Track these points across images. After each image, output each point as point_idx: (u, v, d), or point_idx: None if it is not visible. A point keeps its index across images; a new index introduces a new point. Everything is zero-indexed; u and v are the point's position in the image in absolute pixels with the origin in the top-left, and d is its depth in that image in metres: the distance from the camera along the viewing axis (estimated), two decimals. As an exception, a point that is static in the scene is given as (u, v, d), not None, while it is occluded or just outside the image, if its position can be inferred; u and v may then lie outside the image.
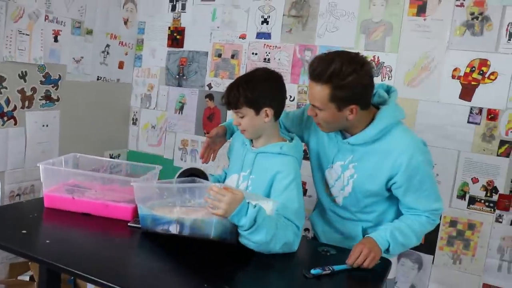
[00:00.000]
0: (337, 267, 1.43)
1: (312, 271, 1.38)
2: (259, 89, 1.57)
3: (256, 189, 1.62)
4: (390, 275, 1.83)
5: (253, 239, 1.41)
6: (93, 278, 1.22)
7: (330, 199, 1.74)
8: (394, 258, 1.86)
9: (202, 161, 1.87)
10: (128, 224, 1.65)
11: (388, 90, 1.65)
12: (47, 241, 1.43)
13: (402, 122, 1.60)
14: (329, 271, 1.41)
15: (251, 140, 1.70)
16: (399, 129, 1.56)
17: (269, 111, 1.58)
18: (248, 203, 1.39)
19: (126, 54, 3.03)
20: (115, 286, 1.19)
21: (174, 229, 1.47)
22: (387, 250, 1.57)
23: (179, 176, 1.72)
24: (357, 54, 1.49)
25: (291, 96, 2.62)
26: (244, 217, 1.37)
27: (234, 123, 1.68)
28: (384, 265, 1.53)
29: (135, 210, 1.68)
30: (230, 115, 2.76)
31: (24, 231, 1.47)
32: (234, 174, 1.72)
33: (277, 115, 1.63)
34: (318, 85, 1.45)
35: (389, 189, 1.61)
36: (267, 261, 1.44)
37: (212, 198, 1.36)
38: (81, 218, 1.68)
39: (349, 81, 1.41)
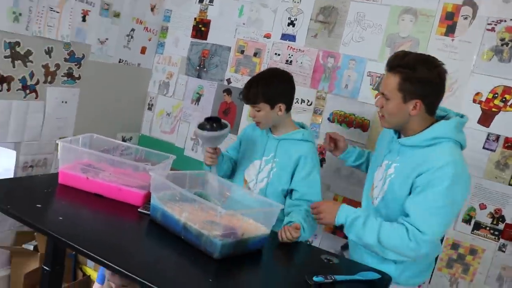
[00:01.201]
0: (339, 277, 1.45)
1: (315, 279, 1.41)
2: (275, 87, 1.89)
3: (280, 170, 1.93)
4: None
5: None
6: (98, 257, 1.26)
7: (370, 201, 1.76)
8: None
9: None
10: (138, 209, 1.68)
11: (461, 116, 1.66)
12: (60, 218, 1.46)
13: (458, 144, 1.58)
14: (331, 280, 1.43)
15: (270, 130, 2.00)
16: (451, 145, 1.54)
17: (282, 106, 1.90)
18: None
19: (150, 40, 3.05)
20: (117, 267, 1.22)
21: (179, 233, 1.50)
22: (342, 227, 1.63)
23: (200, 124, 1.87)
24: (434, 57, 1.57)
25: (308, 101, 2.63)
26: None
27: (251, 115, 1.94)
28: (385, 280, 1.55)
29: (146, 196, 1.71)
30: (247, 110, 2.77)
31: (39, 205, 1.50)
32: (256, 160, 2.00)
33: (288, 109, 1.95)
34: (390, 74, 1.55)
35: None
36: (273, 264, 1.46)
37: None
38: (93, 198, 1.71)
39: (419, 75, 1.50)
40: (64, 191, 1.72)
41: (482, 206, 2.24)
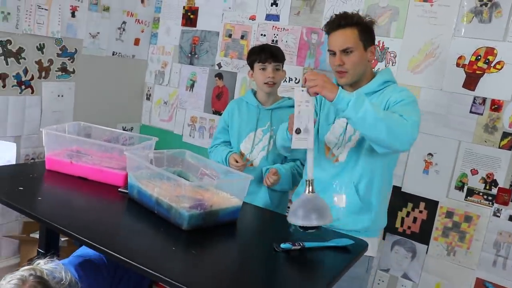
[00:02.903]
0: (308, 244, 1.47)
1: (282, 245, 1.42)
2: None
3: None
4: (372, 253, 1.86)
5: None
6: (69, 232, 1.32)
7: (329, 162, 1.80)
8: (376, 238, 1.89)
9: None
10: (118, 189, 1.75)
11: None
12: (39, 198, 1.54)
13: None
14: (299, 247, 1.45)
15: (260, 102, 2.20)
16: (397, 85, 1.82)
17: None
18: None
19: (143, 31, 3.13)
20: (89, 241, 1.28)
21: (153, 208, 1.56)
22: (347, 105, 1.50)
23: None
24: None
25: (296, 78, 2.64)
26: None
27: (271, 75, 2.11)
28: (360, 246, 1.56)
29: (127, 177, 1.77)
30: (239, 93, 2.82)
31: (21, 188, 1.59)
32: (251, 132, 2.18)
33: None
34: (346, 29, 1.73)
35: None
36: (244, 235, 1.50)
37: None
38: (78, 181, 1.79)
39: (368, 25, 1.77)
40: (50, 175, 1.80)
41: (474, 172, 2.20)
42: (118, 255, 1.24)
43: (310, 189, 1.51)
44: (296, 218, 1.47)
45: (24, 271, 1.17)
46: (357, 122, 1.52)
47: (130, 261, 1.21)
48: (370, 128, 1.53)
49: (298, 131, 1.50)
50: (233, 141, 2.27)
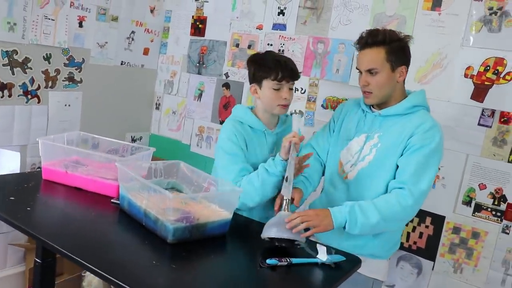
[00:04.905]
0: (295, 260, 1.42)
1: (268, 261, 1.39)
2: None
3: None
4: (379, 276, 1.80)
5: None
6: (50, 242, 1.32)
7: (341, 178, 1.78)
8: (387, 260, 1.82)
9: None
10: (111, 200, 1.74)
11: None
12: (28, 208, 1.55)
13: (428, 111, 1.75)
14: (286, 263, 1.41)
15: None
16: (426, 112, 1.71)
17: None
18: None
19: (152, 41, 3.15)
20: (69, 253, 1.27)
21: (141, 220, 1.54)
22: (344, 228, 1.58)
23: None
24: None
25: (302, 89, 2.60)
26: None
27: (287, 96, 1.77)
28: (352, 262, 1.51)
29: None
30: (246, 102, 2.79)
31: (12, 198, 1.61)
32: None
33: None
34: (373, 49, 1.65)
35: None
36: (232, 249, 1.47)
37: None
38: (72, 191, 1.79)
39: (399, 44, 1.67)
40: (46, 185, 1.82)
41: (482, 186, 2.11)
42: (96, 269, 1.22)
43: (286, 208, 1.57)
44: (269, 232, 1.50)
45: None
46: (360, 233, 1.60)
47: (108, 276, 1.20)
48: (372, 232, 1.66)
49: (286, 179, 1.60)
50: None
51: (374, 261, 1.75)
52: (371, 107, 1.77)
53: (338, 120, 1.86)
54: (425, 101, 1.74)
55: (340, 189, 1.78)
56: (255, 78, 1.79)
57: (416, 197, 1.59)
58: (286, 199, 1.57)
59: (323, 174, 1.92)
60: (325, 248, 1.48)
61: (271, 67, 1.74)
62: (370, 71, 1.66)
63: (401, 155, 1.65)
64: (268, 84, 1.76)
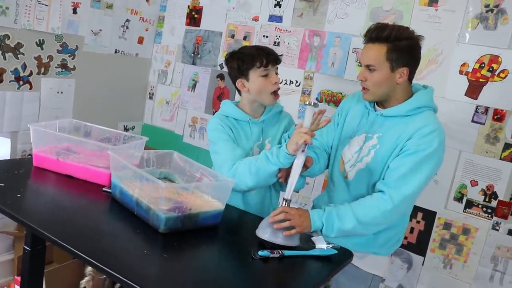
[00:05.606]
0: (287, 252, 1.43)
1: (260, 253, 1.38)
2: None
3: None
4: (379, 272, 1.80)
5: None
6: (40, 230, 1.30)
7: (343, 176, 1.75)
8: (388, 257, 1.82)
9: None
10: (103, 189, 1.73)
11: (425, 87, 1.70)
12: (18, 195, 1.53)
13: (434, 111, 1.65)
14: (278, 255, 1.41)
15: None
16: (431, 113, 1.62)
17: None
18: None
19: (147, 30, 3.12)
20: (59, 240, 1.26)
21: (133, 209, 1.53)
22: (321, 231, 1.58)
23: None
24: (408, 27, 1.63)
25: (297, 82, 2.59)
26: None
27: (277, 80, 1.78)
28: (344, 255, 1.51)
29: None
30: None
31: (2, 184, 1.58)
32: (249, 152, 1.83)
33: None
34: (375, 45, 1.57)
35: None
36: (224, 239, 1.47)
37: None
38: (63, 179, 1.77)
39: (405, 44, 1.55)
40: (36, 172, 1.79)
41: (474, 183, 2.12)
42: (87, 258, 1.21)
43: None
44: (263, 233, 1.48)
45: None
46: (336, 236, 1.58)
47: (99, 265, 1.19)
48: (350, 235, 1.61)
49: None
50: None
51: (375, 257, 1.74)
52: (375, 105, 1.70)
53: (342, 114, 1.81)
54: (431, 101, 1.65)
55: (341, 188, 1.76)
56: (241, 72, 1.78)
57: (396, 203, 1.55)
58: (286, 199, 1.54)
59: (327, 167, 1.88)
60: (321, 237, 1.49)
61: (254, 55, 1.74)
62: (368, 67, 1.60)
63: (397, 156, 1.61)
64: (255, 73, 1.76)
